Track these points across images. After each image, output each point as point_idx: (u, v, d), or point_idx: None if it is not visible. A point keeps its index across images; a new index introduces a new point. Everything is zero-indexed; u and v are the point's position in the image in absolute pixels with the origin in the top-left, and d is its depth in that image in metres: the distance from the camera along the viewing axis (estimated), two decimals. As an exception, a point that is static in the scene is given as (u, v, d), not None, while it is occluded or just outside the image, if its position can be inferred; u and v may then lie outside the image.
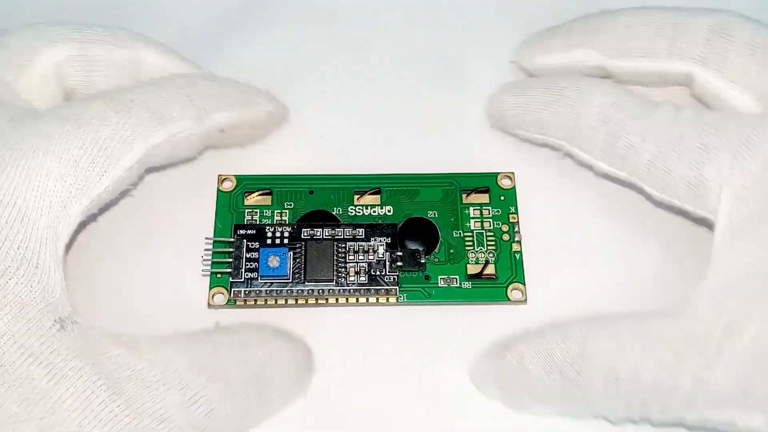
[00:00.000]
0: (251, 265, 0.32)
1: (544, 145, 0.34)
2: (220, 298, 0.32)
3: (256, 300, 0.32)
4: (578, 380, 0.26)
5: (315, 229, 0.33)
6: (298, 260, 0.32)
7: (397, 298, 0.32)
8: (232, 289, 0.32)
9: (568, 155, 0.32)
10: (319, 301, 0.32)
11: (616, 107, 0.29)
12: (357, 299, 0.32)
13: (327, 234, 0.33)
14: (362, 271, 0.32)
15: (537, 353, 0.27)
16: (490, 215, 0.34)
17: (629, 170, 0.30)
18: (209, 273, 0.32)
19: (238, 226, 0.33)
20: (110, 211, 0.33)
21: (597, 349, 0.26)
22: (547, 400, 0.27)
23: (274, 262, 0.31)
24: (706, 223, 0.29)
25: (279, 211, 0.34)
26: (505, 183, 0.34)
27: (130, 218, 0.34)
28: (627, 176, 0.30)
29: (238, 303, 0.32)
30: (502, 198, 0.34)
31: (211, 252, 0.32)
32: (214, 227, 0.33)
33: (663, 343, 0.25)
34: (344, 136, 0.36)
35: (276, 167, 0.35)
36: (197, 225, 0.34)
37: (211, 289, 0.32)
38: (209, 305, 0.32)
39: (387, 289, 0.32)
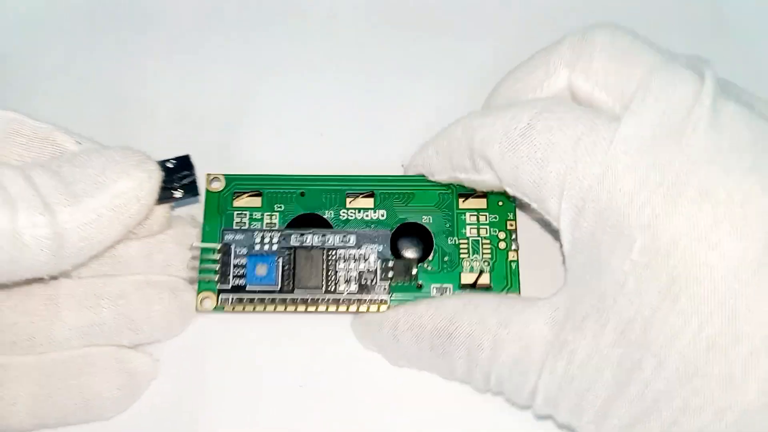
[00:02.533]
0: (239, 271, 0.31)
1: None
2: (209, 303, 0.31)
3: (244, 307, 0.31)
4: (443, 355, 0.29)
5: (305, 236, 0.32)
6: (286, 268, 0.31)
7: (389, 308, 0.31)
8: (220, 296, 0.31)
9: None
10: (309, 309, 0.31)
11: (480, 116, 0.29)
12: (347, 308, 0.31)
13: (317, 241, 0.32)
14: (353, 280, 0.31)
15: (409, 325, 0.29)
16: (487, 221, 0.33)
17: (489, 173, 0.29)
18: (196, 280, 0.31)
19: (226, 231, 0.32)
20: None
21: (463, 325, 0.28)
22: (419, 365, 0.31)
23: (261, 270, 0.31)
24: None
25: (269, 213, 0.33)
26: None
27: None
28: (490, 179, 0.30)
29: (226, 309, 0.31)
30: (500, 204, 0.33)
31: (198, 259, 0.31)
32: (202, 230, 0.32)
33: (520, 324, 0.27)
34: (339, 135, 0.35)
35: (267, 166, 0.34)
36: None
37: (199, 293, 0.31)
38: (197, 309, 0.31)
39: (378, 299, 0.31)
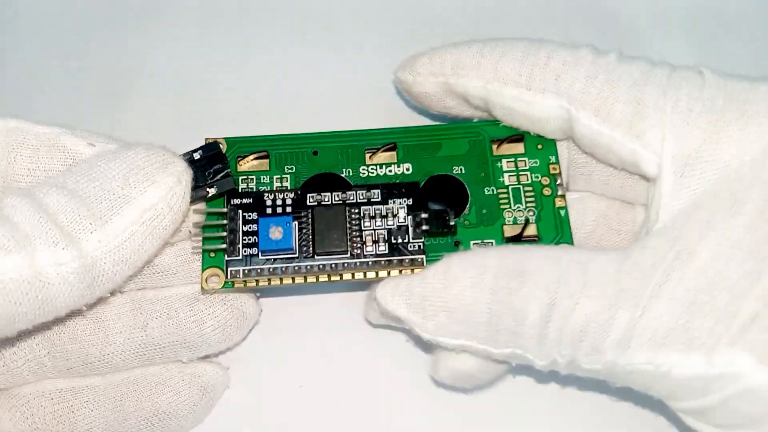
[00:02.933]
0: (249, 239, 0.27)
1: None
2: (215, 281, 0.27)
3: (257, 281, 0.27)
4: (510, 301, 0.24)
5: (322, 194, 0.28)
6: (304, 231, 0.27)
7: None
8: (229, 269, 0.27)
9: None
10: (332, 278, 0.27)
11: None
12: (377, 273, 0.27)
13: (337, 199, 0.27)
14: (381, 240, 0.27)
15: (468, 262, 0.24)
16: (527, 167, 0.29)
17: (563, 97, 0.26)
18: (200, 251, 0.27)
19: (230, 194, 0.28)
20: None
21: (537, 268, 0.24)
22: (466, 325, 0.25)
23: (276, 233, 0.26)
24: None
25: (279, 176, 0.29)
26: None
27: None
28: (560, 101, 0.26)
29: (236, 285, 0.27)
30: (540, 147, 0.29)
31: (201, 226, 0.27)
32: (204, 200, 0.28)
33: (605, 275, 0.23)
34: (351, 85, 0.31)
35: (272, 127, 0.30)
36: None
37: (204, 270, 0.27)
38: (203, 290, 0.27)
39: (412, 259, 0.27)
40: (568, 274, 0.24)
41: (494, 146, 0.29)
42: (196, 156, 0.27)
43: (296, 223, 0.27)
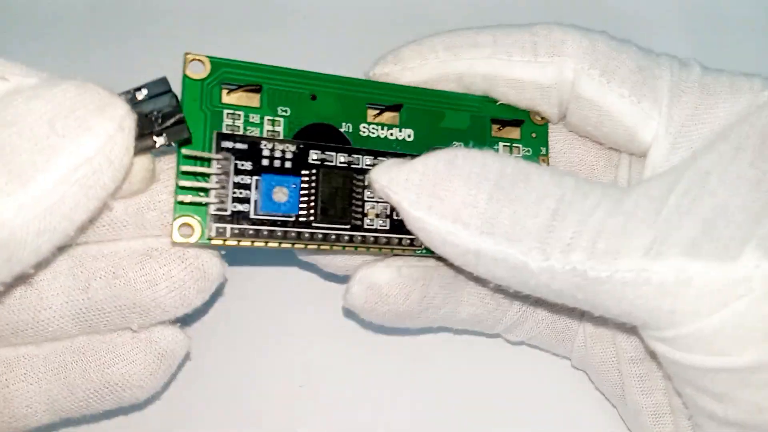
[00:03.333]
0: (241, 193, 0.23)
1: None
2: (189, 232, 0.23)
3: (239, 241, 0.23)
4: (515, 193, 0.22)
5: (326, 153, 0.24)
6: (307, 194, 0.24)
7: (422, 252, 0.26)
8: (215, 225, 0.23)
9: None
10: (334, 247, 0.24)
11: None
12: (380, 250, 0.25)
13: (342, 160, 0.25)
14: (383, 214, 0.25)
15: (475, 154, 0.23)
16: (520, 155, 0.28)
17: (573, 58, 0.26)
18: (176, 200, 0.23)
19: (221, 136, 0.23)
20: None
21: (549, 173, 0.23)
22: (463, 209, 0.22)
23: (280, 195, 0.23)
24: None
25: (271, 118, 0.25)
26: (538, 117, 0.29)
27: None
28: (570, 63, 0.26)
29: (214, 242, 0.23)
30: (534, 135, 0.29)
31: (182, 170, 0.23)
32: (180, 131, 0.23)
33: (620, 190, 0.23)
34: (363, 26, 0.27)
35: (267, 57, 0.25)
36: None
37: (176, 218, 0.23)
38: (173, 242, 0.23)
39: (411, 240, 0.25)
40: (581, 182, 0.23)
41: (495, 128, 0.28)
42: (140, 95, 0.21)
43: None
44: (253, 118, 0.24)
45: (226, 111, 0.24)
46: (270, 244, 0.24)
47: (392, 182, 0.23)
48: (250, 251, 0.24)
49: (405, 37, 0.27)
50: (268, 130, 0.24)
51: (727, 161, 0.22)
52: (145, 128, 0.21)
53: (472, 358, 0.31)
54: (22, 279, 0.22)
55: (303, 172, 0.24)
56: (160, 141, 0.21)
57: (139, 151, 0.21)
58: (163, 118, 0.21)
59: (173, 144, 0.22)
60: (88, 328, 0.23)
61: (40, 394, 0.23)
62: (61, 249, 0.22)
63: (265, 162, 0.23)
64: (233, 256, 0.25)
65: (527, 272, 0.22)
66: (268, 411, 0.28)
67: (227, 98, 0.24)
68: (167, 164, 0.23)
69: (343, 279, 0.27)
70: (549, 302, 0.26)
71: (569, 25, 0.26)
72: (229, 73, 0.24)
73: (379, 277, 0.25)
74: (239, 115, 0.24)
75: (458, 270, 0.26)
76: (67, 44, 0.32)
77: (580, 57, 0.25)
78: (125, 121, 0.19)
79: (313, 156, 0.24)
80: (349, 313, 0.28)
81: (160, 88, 0.21)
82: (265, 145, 0.23)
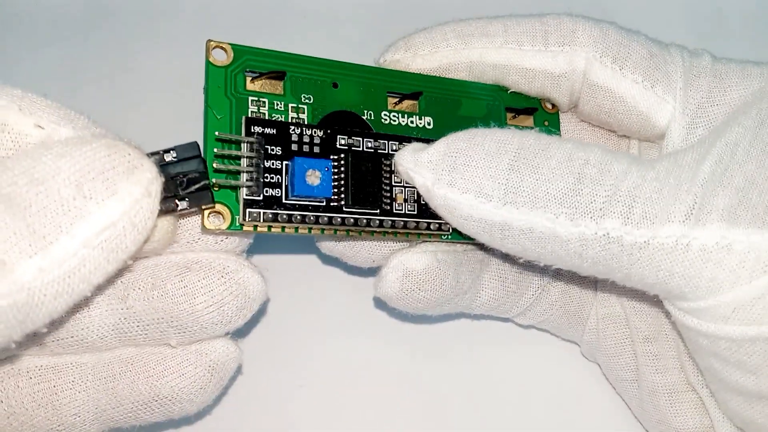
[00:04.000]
0: (272, 177, 0.23)
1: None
2: (219, 220, 0.22)
3: (270, 227, 0.23)
4: (537, 161, 0.22)
5: (353, 138, 0.24)
6: (337, 179, 0.24)
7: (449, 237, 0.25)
8: (247, 210, 0.22)
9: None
10: (363, 233, 0.24)
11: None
12: (407, 235, 0.25)
13: (368, 146, 0.24)
14: (411, 199, 0.25)
15: (495, 130, 0.23)
16: (534, 141, 0.29)
17: (584, 47, 0.26)
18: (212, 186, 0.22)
19: (250, 120, 0.23)
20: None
21: (571, 144, 0.22)
22: (484, 179, 0.22)
23: (313, 178, 0.23)
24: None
25: (295, 105, 0.24)
26: (549, 105, 0.29)
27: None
28: (581, 52, 0.26)
29: (246, 229, 0.23)
30: (546, 123, 0.29)
31: (215, 155, 0.22)
32: (207, 116, 0.23)
33: (645, 160, 0.22)
34: (384, 17, 0.28)
35: (288, 46, 0.25)
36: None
37: (207, 206, 0.22)
38: (203, 228, 0.22)
39: (439, 224, 0.25)
40: (607, 150, 0.22)
41: (509, 116, 0.28)
42: (168, 157, 0.21)
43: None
44: (277, 105, 0.24)
45: (250, 98, 0.24)
46: (301, 231, 0.23)
47: (415, 164, 0.23)
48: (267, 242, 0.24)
49: (418, 25, 0.27)
50: (292, 117, 0.24)
51: (752, 135, 0.23)
52: (170, 191, 0.21)
53: (477, 355, 0.31)
54: (35, 337, 0.21)
55: (332, 156, 0.24)
56: (182, 205, 0.21)
57: (161, 213, 0.21)
58: (188, 183, 0.21)
59: (195, 206, 0.21)
60: (127, 340, 0.23)
61: (87, 402, 0.22)
62: None
63: (294, 146, 0.23)
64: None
65: (557, 241, 0.22)
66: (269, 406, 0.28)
67: (251, 85, 0.24)
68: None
69: (364, 272, 0.27)
70: (564, 276, 0.26)
71: (579, 16, 0.26)
72: (252, 60, 0.24)
73: (416, 264, 0.25)
74: (264, 101, 0.24)
75: (487, 250, 0.26)
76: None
77: (592, 46, 0.26)
78: (152, 185, 0.19)
79: (341, 141, 0.24)
80: (380, 304, 0.27)
81: (189, 152, 0.21)
82: (293, 130, 0.23)
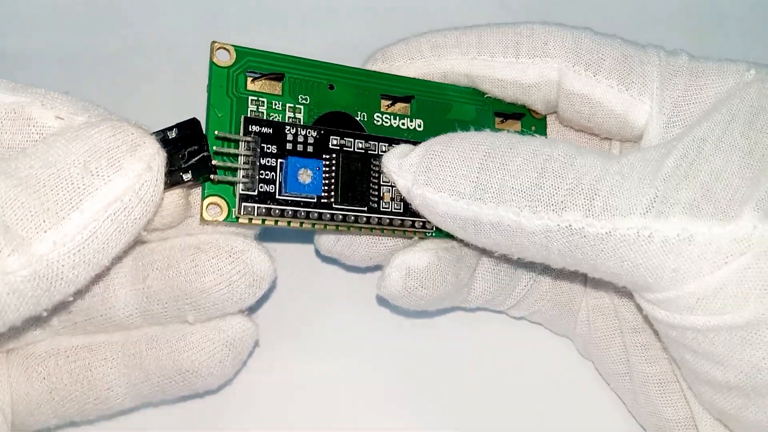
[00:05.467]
0: (267, 174, 0.24)
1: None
2: (217, 211, 0.24)
3: (264, 220, 0.24)
4: (504, 159, 0.23)
5: (345, 139, 0.26)
6: (328, 177, 0.25)
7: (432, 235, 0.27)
8: (243, 204, 0.24)
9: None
10: (351, 229, 0.26)
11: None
12: (394, 231, 0.26)
13: (359, 147, 0.26)
14: (398, 197, 0.26)
15: (471, 134, 0.25)
16: (519, 145, 0.30)
17: (555, 58, 0.27)
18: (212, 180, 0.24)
19: (248, 120, 0.24)
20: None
21: (539, 140, 0.24)
22: (457, 178, 0.24)
23: (305, 176, 0.24)
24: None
25: (292, 105, 0.26)
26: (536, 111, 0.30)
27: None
28: (552, 63, 0.27)
29: (241, 222, 0.24)
30: (533, 128, 0.30)
31: (214, 152, 0.24)
32: (209, 114, 0.25)
33: (610, 156, 0.23)
34: (378, 23, 0.29)
35: (286, 47, 0.27)
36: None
37: (204, 198, 0.24)
38: (202, 219, 0.24)
39: (423, 223, 0.27)
40: (574, 146, 0.23)
41: (497, 120, 0.30)
42: (172, 134, 0.23)
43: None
44: (276, 104, 0.26)
45: (250, 97, 0.25)
46: (293, 224, 0.25)
47: (399, 168, 0.25)
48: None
49: (417, 28, 0.28)
50: (289, 117, 0.26)
51: (721, 131, 0.23)
52: (175, 165, 0.22)
53: (481, 347, 0.32)
54: (63, 306, 0.23)
55: (324, 156, 0.25)
56: (186, 177, 0.23)
57: (169, 186, 0.22)
58: (189, 156, 0.23)
59: (198, 178, 0.23)
60: (150, 318, 0.25)
61: (119, 377, 0.25)
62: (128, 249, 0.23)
63: (288, 146, 0.25)
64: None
65: (523, 234, 0.23)
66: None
67: (251, 85, 0.25)
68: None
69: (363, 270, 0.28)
70: (553, 269, 0.27)
71: (554, 24, 0.27)
72: (253, 61, 0.26)
73: (418, 263, 0.26)
74: (263, 101, 0.25)
75: (475, 248, 0.27)
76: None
77: (563, 56, 0.26)
78: (154, 160, 0.21)
79: (333, 141, 0.25)
80: (382, 302, 0.29)
81: (189, 128, 0.23)
82: (288, 130, 0.25)
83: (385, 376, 0.31)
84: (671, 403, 0.27)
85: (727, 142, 0.23)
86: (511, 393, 0.31)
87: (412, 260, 0.26)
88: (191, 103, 0.26)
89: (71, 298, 0.21)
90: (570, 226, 0.22)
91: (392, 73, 0.28)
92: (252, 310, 0.26)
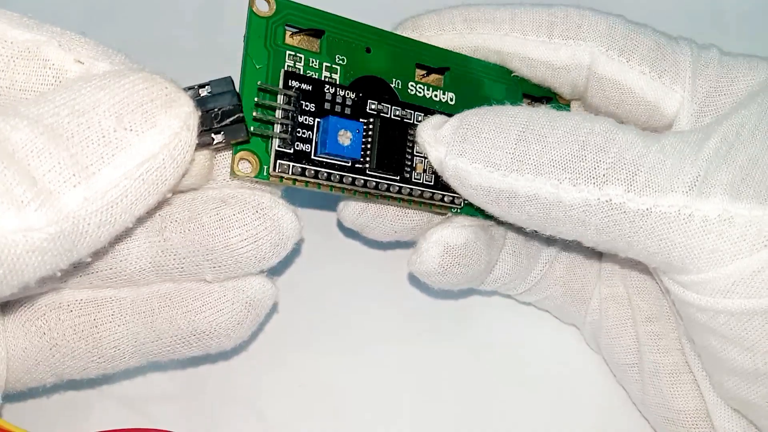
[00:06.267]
0: (304, 133, 0.23)
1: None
2: (248, 167, 0.23)
3: (295, 180, 0.23)
4: (543, 131, 0.23)
5: (383, 104, 0.25)
6: (365, 141, 0.24)
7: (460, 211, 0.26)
8: (278, 162, 0.23)
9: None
10: (380, 198, 0.25)
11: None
12: (421, 204, 0.26)
13: (396, 114, 0.25)
14: (429, 169, 0.26)
15: (506, 107, 0.24)
16: (544, 129, 0.30)
17: (589, 41, 0.26)
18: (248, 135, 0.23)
19: (288, 75, 0.23)
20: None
21: (571, 117, 0.24)
22: (493, 149, 0.23)
23: (345, 138, 0.23)
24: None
25: (329, 64, 0.25)
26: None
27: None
28: (585, 46, 0.26)
29: (273, 180, 0.23)
30: (558, 113, 0.30)
31: (255, 104, 0.23)
32: (246, 64, 0.23)
33: (650, 134, 0.23)
34: None
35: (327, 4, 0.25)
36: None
37: (236, 152, 0.23)
38: (232, 173, 0.23)
39: (452, 197, 0.26)
40: (615, 122, 0.23)
41: (525, 102, 0.29)
42: (203, 92, 0.21)
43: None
44: (313, 62, 0.25)
45: (288, 52, 0.24)
46: (323, 188, 0.24)
47: (434, 138, 0.24)
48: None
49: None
50: (325, 76, 0.25)
51: (756, 120, 0.23)
52: (206, 125, 0.21)
53: (470, 357, 0.32)
54: (79, 266, 0.22)
55: (361, 120, 0.24)
56: (218, 138, 0.21)
57: (198, 147, 0.21)
58: (223, 116, 0.21)
59: (231, 143, 0.22)
60: (164, 274, 0.23)
61: (127, 336, 0.23)
62: None
63: (327, 105, 0.24)
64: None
65: (561, 207, 0.23)
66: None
67: (290, 40, 0.24)
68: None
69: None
70: (571, 250, 0.27)
71: (587, 9, 0.27)
72: (292, 15, 0.24)
73: (457, 239, 0.25)
74: (300, 57, 0.24)
75: (501, 224, 0.27)
76: None
77: (597, 40, 0.26)
78: (190, 119, 0.20)
79: (372, 106, 0.25)
80: (414, 280, 0.29)
81: (223, 86, 0.21)
82: (328, 89, 0.24)
83: (387, 373, 0.30)
84: (682, 394, 0.27)
85: (762, 130, 0.23)
86: (514, 385, 0.31)
87: (450, 237, 0.25)
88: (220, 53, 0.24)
89: (89, 259, 0.19)
90: (610, 200, 0.22)
91: (423, 39, 0.27)
92: (273, 272, 0.25)
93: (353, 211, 0.26)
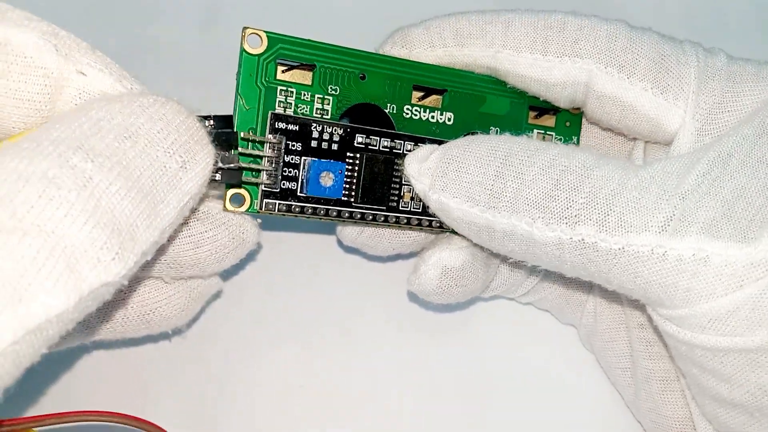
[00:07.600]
0: (290, 172, 0.25)
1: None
2: (239, 201, 0.25)
3: (284, 214, 0.25)
4: (520, 168, 0.23)
5: (371, 137, 0.26)
6: (350, 177, 0.25)
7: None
8: (264, 201, 0.25)
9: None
10: (370, 225, 0.26)
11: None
12: (411, 229, 0.27)
13: (385, 145, 0.26)
14: (417, 197, 0.27)
15: (490, 137, 0.25)
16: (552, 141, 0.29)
17: (586, 59, 0.25)
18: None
19: (275, 117, 0.24)
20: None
21: (557, 148, 0.24)
22: (473, 186, 0.24)
23: (327, 180, 0.25)
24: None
25: (321, 96, 0.26)
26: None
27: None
28: (581, 63, 0.25)
29: (262, 213, 0.25)
30: (568, 124, 0.30)
31: (239, 153, 0.24)
32: (237, 106, 0.25)
33: (630, 167, 0.23)
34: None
35: (319, 34, 0.26)
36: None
37: (228, 188, 0.25)
38: (225, 209, 0.25)
39: (441, 224, 0.27)
40: (593, 156, 0.23)
41: (532, 114, 0.29)
42: (206, 125, 0.22)
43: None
44: (304, 95, 0.25)
45: (279, 87, 0.25)
46: (312, 219, 0.26)
47: (418, 172, 0.25)
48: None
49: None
50: (317, 108, 0.26)
51: (750, 145, 0.22)
52: None
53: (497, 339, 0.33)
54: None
55: (348, 154, 0.25)
56: (216, 177, 0.23)
57: None
58: (222, 160, 0.23)
59: (225, 184, 0.24)
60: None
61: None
62: None
63: (314, 143, 0.25)
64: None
65: (536, 245, 0.23)
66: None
67: (282, 75, 0.25)
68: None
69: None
70: (564, 276, 0.28)
71: (587, 17, 0.25)
72: (285, 49, 0.25)
73: (455, 262, 0.26)
74: (292, 92, 0.25)
75: None
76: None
77: (595, 57, 0.25)
78: (209, 157, 0.21)
79: (359, 139, 0.25)
80: (413, 297, 0.30)
81: (224, 124, 0.23)
82: (314, 127, 0.25)
83: (387, 373, 0.32)
84: (672, 401, 0.28)
85: (755, 157, 0.22)
86: (514, 385, 0.32)
87: (448, 259, 0.26)
88: (193, 102, 0.25)
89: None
90: (583, 240, 0.22)
91: (412, 59, 0.27)
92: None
93: (350, 234, 0.27)
